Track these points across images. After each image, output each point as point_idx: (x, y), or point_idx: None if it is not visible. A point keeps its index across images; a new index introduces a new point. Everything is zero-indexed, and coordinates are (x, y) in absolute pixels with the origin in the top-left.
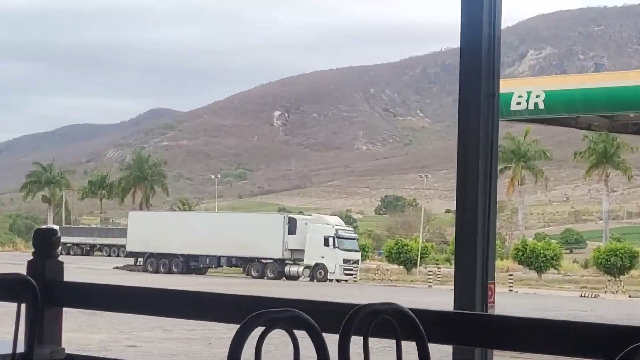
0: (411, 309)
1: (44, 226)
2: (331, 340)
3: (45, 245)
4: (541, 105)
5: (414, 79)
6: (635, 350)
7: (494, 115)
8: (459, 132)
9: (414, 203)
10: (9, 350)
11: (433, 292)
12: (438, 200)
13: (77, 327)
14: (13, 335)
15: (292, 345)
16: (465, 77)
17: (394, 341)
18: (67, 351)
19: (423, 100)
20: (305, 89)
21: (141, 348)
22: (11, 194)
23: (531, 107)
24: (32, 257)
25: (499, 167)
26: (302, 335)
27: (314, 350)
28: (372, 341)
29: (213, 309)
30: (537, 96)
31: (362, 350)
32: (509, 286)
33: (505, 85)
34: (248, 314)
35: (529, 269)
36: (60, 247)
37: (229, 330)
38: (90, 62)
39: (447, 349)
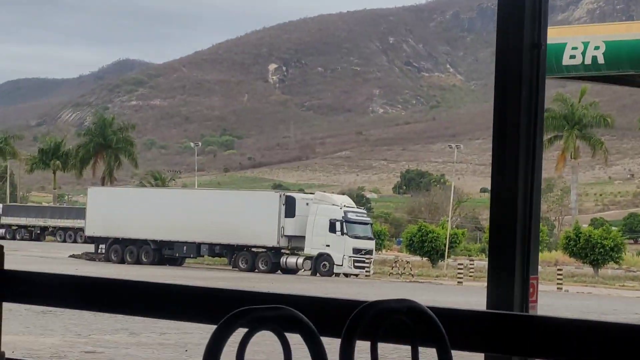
0: (431, 308)
1: None
2: (331, 345)
3: None
4: (601, 60)
5: (443, 26)
6: None
7: (539, 71)
8: (496, 93)
9: (441, 180)
10: None
11: (463, 291)
12: (471, 176)
13: (25, 328)
14: None
15: (283, 352)
16: (504, 23)
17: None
18: (10, 356)
19: (454, 53)
20: (308, 38)
21: (102, 355)
22: None
23: (588, 61)
24: None
25: (547, 136)
26: (295, 339)
27: (309, 358)
28: (386, 347)
29: (186, 306)
30: (597, 48)
31: (370, 358)
32: (558, 283)
33: (555, 34)
34: (229, 312)
35: (583, 262)
36: (3, 230)
37: (209, 335)
38: (41, 2)
39: (480, 359)
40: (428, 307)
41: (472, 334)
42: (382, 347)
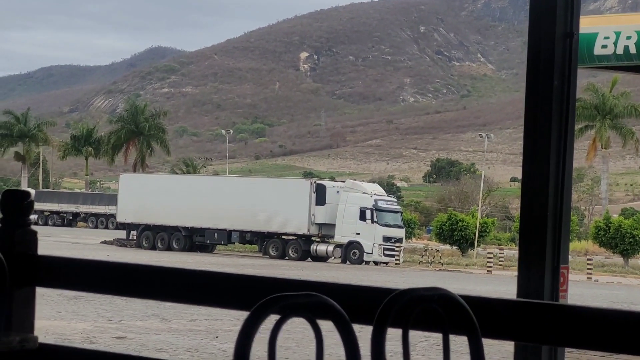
0: (463, 296)
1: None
2: (361, 333)
3: (15, 210)
4: (633, 49)
5: (474, 15)
6: None
7: (571, 61)
8: (528, 82)
9: (471, 169)
10: None
11: (493, 280)
12: (502, 165)
13: (57, 314)
14: None
15: (314, 339)
16: (536, 12)
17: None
18: (42, 341)
19: (485, 42)
20: (339, 26)
21: (133, 340)
22: None
23: (620, 51)
24: None
25: (578, 126)
26: (325, 326)
27: (342, 345)
28: (415, 336)
29: (217, 293)
30: (628, 37)
31: (402, 346)
32: (588, 273)
33: (587, 24)
34: (261, 299)
35: (613, 252)
36: (35, 215)
37: (239, 322)
38: None
39: (508, 348)
40: (460, 296)
41: (502, 323)
42: (411, 335)
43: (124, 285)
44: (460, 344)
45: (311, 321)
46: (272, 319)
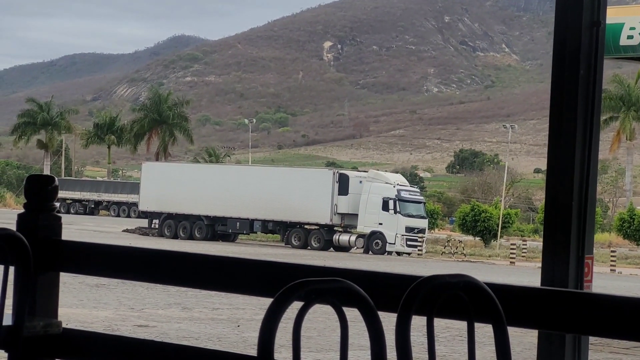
0: (488, 284)
1: None
2: (384, 323)
3: (40, 195)
4: None
5: (499, 5)
6: None
7: (597, 51)
8: (553, 72)
9: (495, 160)
10: None
11: (516, 271)
12: (525, 156)
13: (79, 302)
14: None
15: (338, 328)
16: (563, 1)
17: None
18: (65, 327)
19: (510, 32)
20: (363, 15)
21: (155, 329)
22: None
23: None
24: (23, 211)
25: (603, 117)
26: (351, 314)
27: (362, 334)
28: (437, 327)
29: (241, 279)
30: None
31: (426, 334)
32: (611, 265)
33: (614, 14)
34: (285, 285)
35: (637, 244)
36: (57, 203)
37: (261, 311)
38: None
39: (531, 340)
40: (485, 283)
41: (526, 311)
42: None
43: (147, 271)
44: (482, 335)
45: (336, 307)
46: (295, 308)
